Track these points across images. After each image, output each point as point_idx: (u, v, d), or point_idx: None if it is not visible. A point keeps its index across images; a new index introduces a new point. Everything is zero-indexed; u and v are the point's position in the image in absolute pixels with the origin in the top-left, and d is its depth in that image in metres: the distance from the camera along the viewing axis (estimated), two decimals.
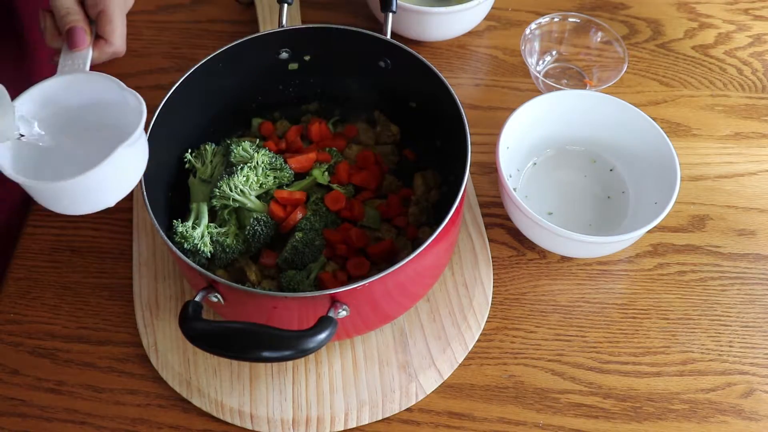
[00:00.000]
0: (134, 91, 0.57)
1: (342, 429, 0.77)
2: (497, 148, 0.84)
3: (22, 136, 0.54)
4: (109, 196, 0.56)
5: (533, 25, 1.00)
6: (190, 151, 0.85)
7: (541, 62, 1.03)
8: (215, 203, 0.81)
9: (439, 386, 0.79)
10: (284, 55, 0.87)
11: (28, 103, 0.57)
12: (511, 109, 0.87)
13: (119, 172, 0.54)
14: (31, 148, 0.56)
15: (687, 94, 1.02)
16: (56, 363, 0.82)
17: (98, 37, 0.71)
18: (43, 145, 0.56)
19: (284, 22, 0.86)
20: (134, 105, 0.56)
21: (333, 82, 0.90)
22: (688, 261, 0.88)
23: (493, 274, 0.86)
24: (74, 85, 0.58)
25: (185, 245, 0.77)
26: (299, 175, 0.85)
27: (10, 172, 0.53)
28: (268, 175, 0.82)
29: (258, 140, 0.87)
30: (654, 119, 0.87)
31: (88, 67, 0.62)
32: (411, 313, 0.83)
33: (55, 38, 0.71)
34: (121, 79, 0.61)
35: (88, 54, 0.64)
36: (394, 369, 0.79)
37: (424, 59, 0.81)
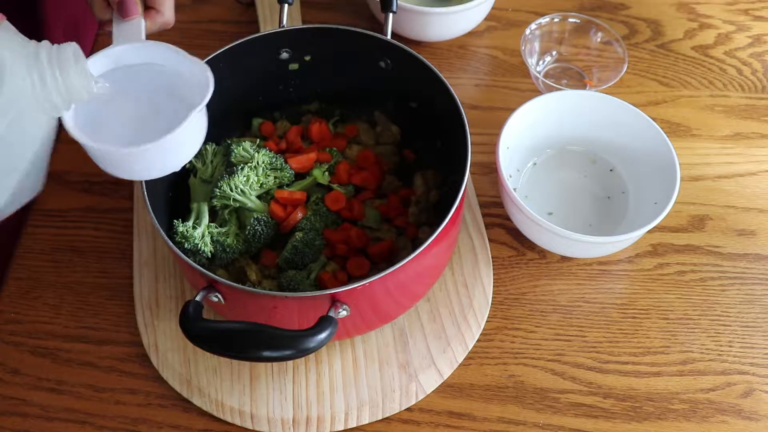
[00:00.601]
0: (198, 59, 0.57)
1: (342, 429, 0.77)
2: (497, 148, 0.84)
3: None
4: (179, 160, 0.57)
5: (533, 26, 1.00)
6: None
7: (541, 62, 1.03)
8: (216, 203, 0.81)
9: (439, 386, 0.79)
10: (285, 55, 0.87)
11: (95, 65, 0.57)
12: (511, 109, 0.87)
13: (190, 137, 0.55)
14: (85, 110, 0.55)
15: (687, 95, 1.02)
16: (57, 362, 0.82)
17: (148, 8, 0.70)
18: (100, 108, 0.56)
19: (285, 22, 0.86)
20: (198, 73, 0.56)
21: (333, 83, 0.90)
22: (688, 261, 0.88)
23: (493, 274, 0.86)
24: (133, 52, 0.58)
25: (186, 245, 0.78)
26: (299, 175, 0.85)
27: (77, 133, 0.53)
28: (268, 175, 0.82)
29: (258, 140, 0.87)
30: (654, 119, 0.87)
31: (144, 37, 0.62)
32: (411, 313, 0.83)
33: (103, 10, 0.70)
34: None
35: (140, 24, 0.63)
36: (394, 369, 0.80)
37: (424, 59, 0.81)
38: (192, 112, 0.54)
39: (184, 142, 0.55)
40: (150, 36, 0.65)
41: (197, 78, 0.56)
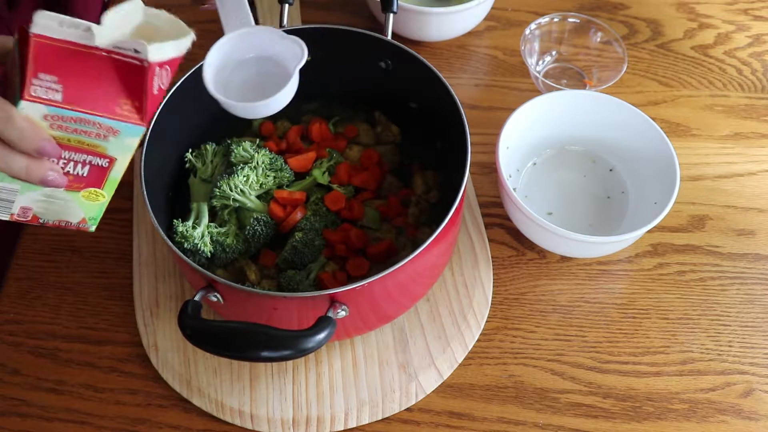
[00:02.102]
0: (294, 37, 0.69)
1: (342, 429, 0.77)
2: (497, 148, 0.84)
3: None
4: (280, 106, 0.69)
5: (533, 26, 1.00)
6: (190, 150, 0.85)
7: (540, 62, 1.03)
8: (215, 203, 0.81)
9: (439, 386, 0.79)
10: None
11: (212, 56, 0.69)
12: (511, 109, 0.87)
13: (290, 91, 0.68)
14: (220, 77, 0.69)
15: (686, 95, 1.02)
16: (57, 363, 0.82)
17: None
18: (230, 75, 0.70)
19: (285, 22, 0.86)
20: (292, 45, 0.68)
21: (333, 83, 0.90)
22: (688, 261, 0.88)
23: (493, 274, 0.86)
24: (239, 39, 0.70)
25: (185, 245, 0.78)
26: (299, 175, 0.85)
27: (212, 89, 0.66)
28: (268, 175, 0.82)
29: (258, 140, 0.87)
30: (653, 119, 0.87)
31: (252, 19, 0.71)
32: (411, 313, 0.83)
33: None
34: None
35: None
36: (394, 369, 0.80)
37: (424, 60, 0.81)
38: (296, 70, 0.67)
39: (287, 94, 0.68)
40: None
41: (292, 48, 0.68)
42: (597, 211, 0.89)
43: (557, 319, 0.84)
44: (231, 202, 0.80)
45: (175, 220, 0.79)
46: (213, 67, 0.69)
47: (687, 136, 0.98)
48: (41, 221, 0.60)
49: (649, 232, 0.85)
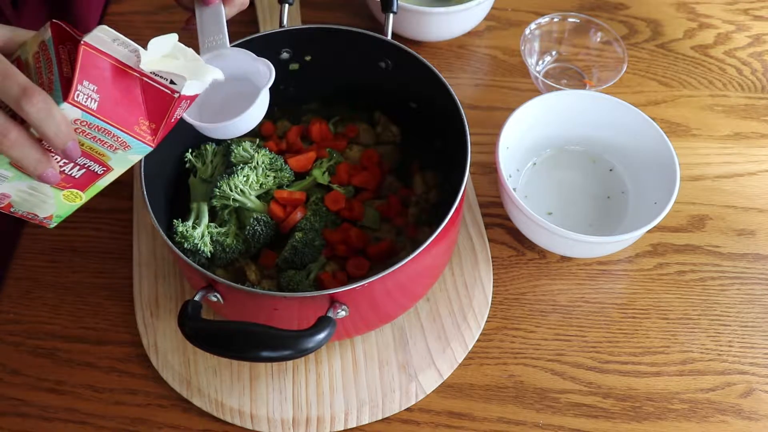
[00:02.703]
0: (264, 59, 0.72)
1: (342, 429, 0.77)
2: (497, 148, 0.84)
3: None
4: (250, 126, 0.72)
5: (533, 26, 1.00)
6: (190, 150, 0.85)
7: (540, 62, 1.03)
8: (215, 203, 0.81)
9: (439, 386, 0.79)
10: (285, 55, 0.87)
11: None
12: (511, 109, 0.87)
13: (258, 111, 0.71)
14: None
15: (686, 94, 1.02)
16: (56, 363, 0.82)
17: None
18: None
19: (285, 22, 0.86)
20: (262, 66, 0.72)
21: (333, 83, 0.90)
22: (688, 261, 0.88)
23: (493, 274, 0.86)
24: (217, 60, 0.72)
25: (185, 245, 0.78)
26: (299, 175, 0.85)
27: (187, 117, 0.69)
28: (268, 175, 0.82)
29: (258, 140, 0.87)
30: (653, 119, 0.87)
31: (225, 21, 0.73)
32: (411, 313, 0.83)
33: None
34: None
35: (221, 10, 0.74)
36: (394, 369, 0.80)
37: (424, 60, 0.81)
38: (263, 89, 0.70)
39: (254, 114, 0.71)
40: (229, 17, 0.75)
41: (262, 69, 0.72)
42: (597, 211, 0.89)
43: (557, 319, 0.84)
44: (231, 202, 0.80)
45: (175, 220, 0.79)
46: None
47: (687, 136, 0.98)
48: (12, 210, 0.62)
49: (649, 232, 0.85)
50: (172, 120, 0.60)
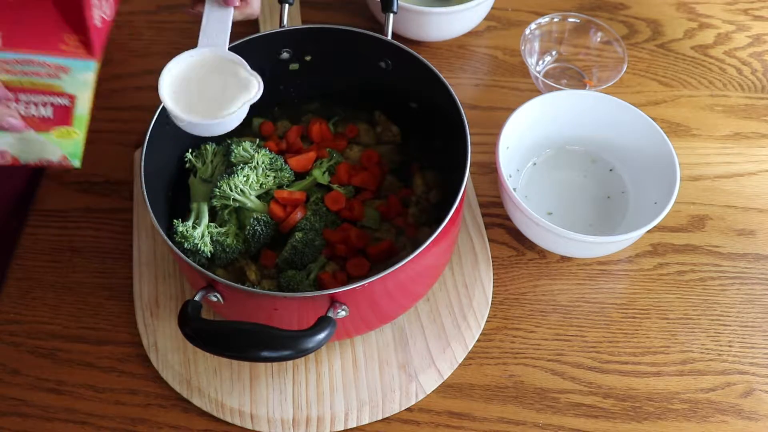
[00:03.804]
0: (257, 74, 0.71)
1: (342, 429, 0.77)
2: (497, 148, 0.84)
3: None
4: (228, 128, 0.71)
5: (533, 26, 1.00)
6: (190, 150, 0.85)
7: (540, 62, 1.03)
8: (215, 203, 0.81)
9: (439, 386, 0.79)
10: (285, 55, 0.87)
11: (179, 62, 0.71)
12: (511, 109, 0.87)
13: (238, 117, 0.71)
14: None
15: (686, 94, 1.02)
16: (56, 363, 0.82)
17: None
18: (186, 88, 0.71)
19: (285, 22, 0.86)
20: (253, 80, 0.71)
21: (333, 83, 0.90)
22: (688, 261, 0.88)
23: (493, 274, 0.86)
24: (210, 58, 0.72)
25: (185, 245, 0.78)
26: (299, 175, 0.85)
27: (164, 93, 0.69)
28: (268, 175, 0.82)
29: (258, 140, 0.87)
30: (654, 119, 0.87)
31: (230, 24, 0.73)
32: (411, 313, 0.83)
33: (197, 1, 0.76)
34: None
35: (230, 12, 0.74)
36: (394, 369, 0.80)
37: (424, 60, 0.81)
38: (244, 105, 0.69)
39: (234, 118, 0.71)
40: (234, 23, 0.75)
41: (252, 82, 0.71)
42: (597, 211, 0.89)
43: (557, 319, 0.84)
44: (231, 202, 0.80)
45: (175, 220, 0.79)
46: (172, 72, 0.70)
47: (687, 136, 0.98)
48: (23, 162, 0.61)
49: (649, 232, 0.85)
50: (99, 24, 0.56)
